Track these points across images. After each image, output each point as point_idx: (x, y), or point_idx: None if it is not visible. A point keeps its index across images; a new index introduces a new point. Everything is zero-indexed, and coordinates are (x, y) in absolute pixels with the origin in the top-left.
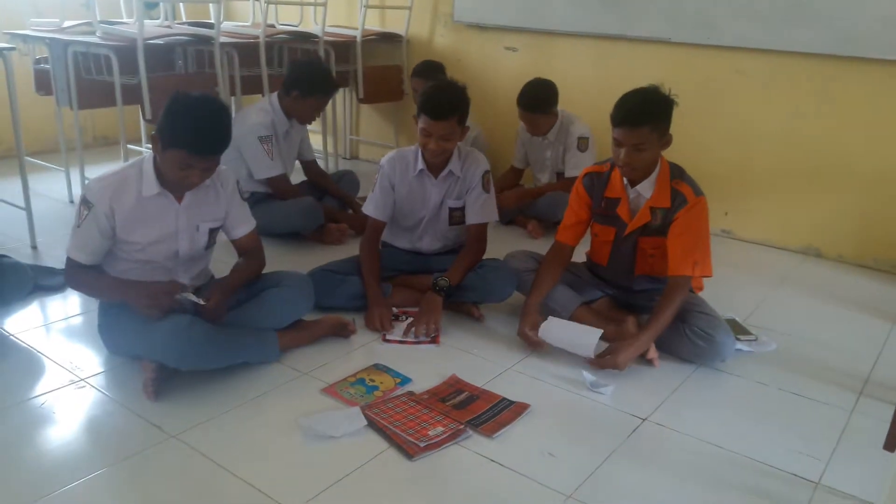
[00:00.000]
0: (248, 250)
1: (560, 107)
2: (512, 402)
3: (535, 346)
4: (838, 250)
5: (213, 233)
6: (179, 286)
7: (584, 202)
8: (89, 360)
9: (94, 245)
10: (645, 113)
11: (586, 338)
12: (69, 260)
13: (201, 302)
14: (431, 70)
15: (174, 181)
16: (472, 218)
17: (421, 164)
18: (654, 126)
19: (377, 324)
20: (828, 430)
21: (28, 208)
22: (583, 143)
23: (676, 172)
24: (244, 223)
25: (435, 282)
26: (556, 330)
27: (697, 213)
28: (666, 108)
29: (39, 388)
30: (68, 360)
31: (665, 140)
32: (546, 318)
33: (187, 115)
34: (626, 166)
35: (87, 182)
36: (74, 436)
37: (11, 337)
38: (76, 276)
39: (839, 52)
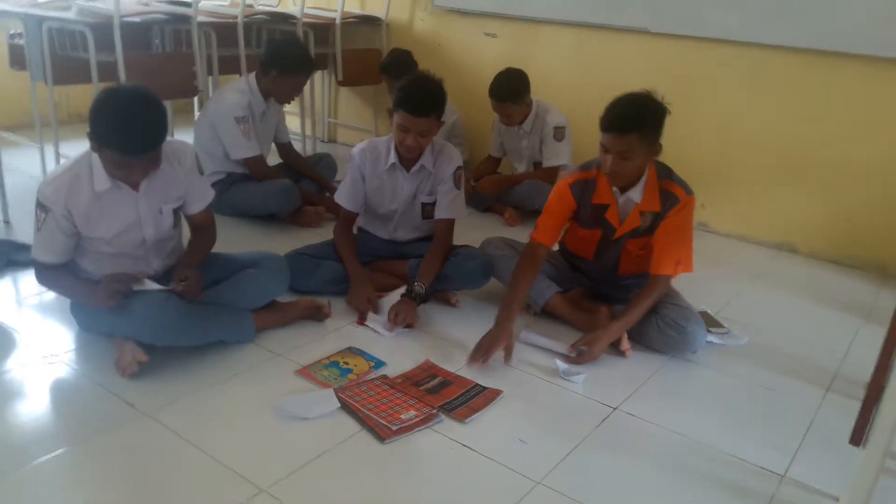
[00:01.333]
0: (203, 226)
1: (538, 95)
2: (484, 388)
3: (484, 363)
4: (813, 246)
5: (176, 211)
6: (135, 278)
7: (568, 209)
8: (61, 336)
9: (59, 245)
10: (634, 121)
11: (557, 346)
12: (36, 262)
13: (165, 288)
14: (401, 65)
15: (118, 178)
16: (440, 213)
17: (393, 158)
18: (643, 134)
19: (363, 303)
20: (795, 424)
21: (1, 184)
22: (559, 133)
23: (664, 173)
24: (202, 198)
25: (410, 289)
26: (530, 338)
27: (687, 213)
28: (657, 116)
29: (9, 363)
30: (40, 336)
31: (654, 149)
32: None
33: (114, 115)
34: (612, 174)
35: (39, 186)
36: (46, 411)
37: None
38: (46, 276)
39: (821, 46)
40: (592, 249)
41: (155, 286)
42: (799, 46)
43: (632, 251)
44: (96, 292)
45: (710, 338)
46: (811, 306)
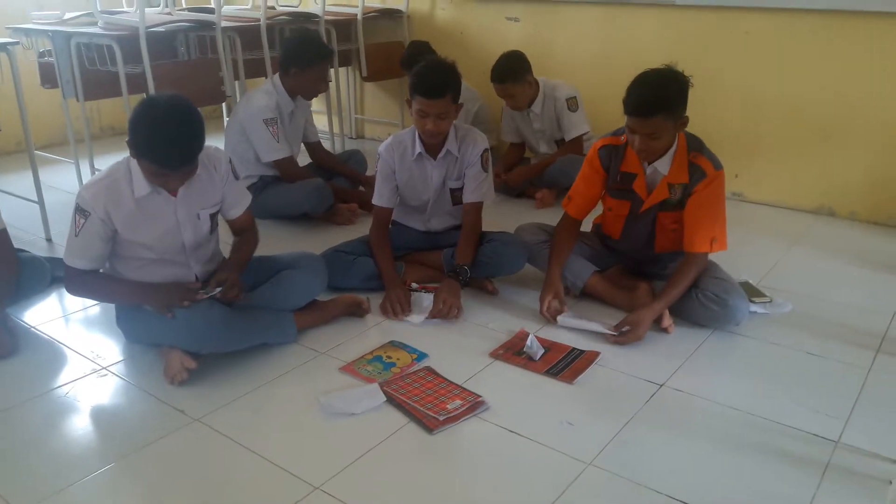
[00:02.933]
0: (244, 228)
1: (563, 77)
2: (583, 351)
3: (554, 316)
4: (851, 208)
5: (214, 217)
6: (195, 292)
7: (598, 175)
8: (109, 349)
9: (94, 251)
10: (657, 102)
11: (598, 326)
12: (68, 268)
13: (208, 294)
14: (421, 56)
15: (156, 185)
16: (468, 196)
17: (419, 147)
18: (668, 114)
19: (394, 310)
20: (846, 389)
21: (41, 202)
22: (572, 103)
23: (695, 145)
24: (240, 202)
25: (453, 269)
26: (570, 322)
27: (716, 188)
28: (679, 92)
29: (62, 377)
30: (89, 350)
31: (680, 123)
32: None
33: (151, 129)
34: (641, 153)
35: (78, 190)
36: (99, 423)
37: (33, 329)
38: (77, 282)
39: (845, 6)
40: (620, 225)
41: (212, 293)
42: (824, 8)
43: (666, 225)
44: (156, 295)
45: (754, 308)
46: (854, 269)
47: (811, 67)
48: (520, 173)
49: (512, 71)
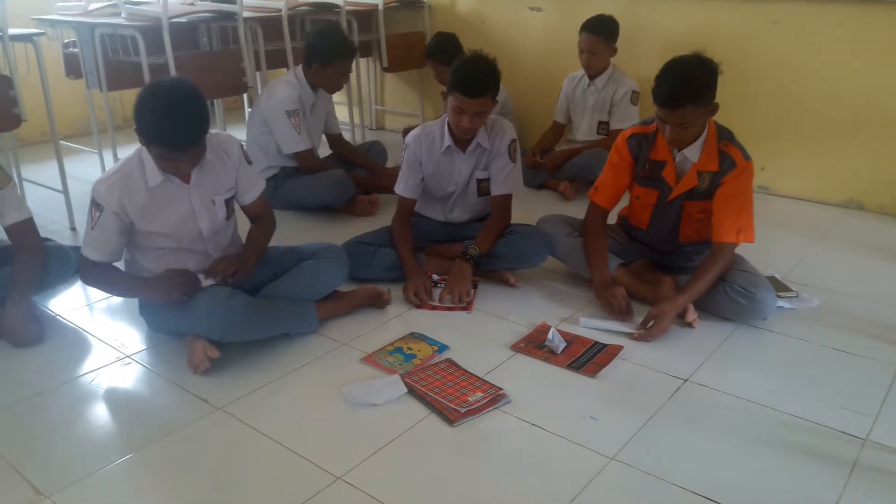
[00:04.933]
0: (259, 214)
1: None
2: (605, 345)
3: (623, 312)
4: (881, 202)
5: (228, 203)
6: (196, 278)
7: (626, 164)
8: (133, 338)
9: (110, 244)
10: (686, 93)
11: (621, 326)
12: (82, 258)
13: (212, 281)
14: (448, 49)
15: (168, 171)
16: (496, 188)
17: (448, 140)
18: (698, 103)
19: (415, 296)
20: (874, 386)
21: (65, 191)
22: (636, 97)
23: (725, 135)
24: (253, 187)
25: (465, 250)
26: (594, 324)
27: (746, 179)
28: (708, 80)
29: (87, 365)
30: (113, 338)
31: (711, 110)
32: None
33: (154, 112)
34: (672, 142)
35: (93, 185)
36: (123, 411)
37: (58, 317)
38: (91, 272)
39: None
40: (648, 214)
41: (208, 281)
42: None
43: (692, 214)
44: (154, 287)
45: (780, 302)
46: (883, 264)
47: (841, 58)
48: (557, 157)
49: (610, 28)
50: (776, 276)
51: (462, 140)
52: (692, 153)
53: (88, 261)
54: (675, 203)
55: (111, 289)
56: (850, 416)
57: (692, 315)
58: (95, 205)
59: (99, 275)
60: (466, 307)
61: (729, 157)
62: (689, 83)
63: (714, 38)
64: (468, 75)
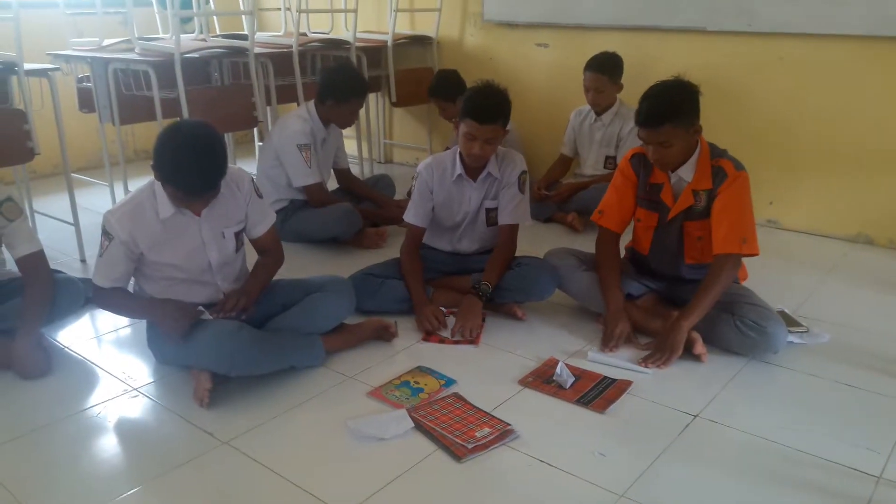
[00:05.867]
0: (268, 248)
1: None
2: (614, 380)
3: (614, 349)
4: (889, 236)
5: (238, 235)
6: (197, 310)
7: (630, 183)
8: (140, 370)
9: (116, 272)
10: (663, 112)
11: (628, 363)
12: (95, 286)
13: (212, 318)
14: (449, 86)
15: (180, 206)
16: (504, 218)
17: (459, 169)
18: (677, 122)
19: (430, 323)
20: (887, 423)
21: (76, 223)
22: None
23: (717, 152)
24: (263, 221)
25: (476, 286)
26: (599, 358)
27: (740, 187)
28: (688, 101)
29: (94, 398)
30: (121, 371)
31: (693, 129)
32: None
33: (175, 157)
34: (658, 163)
35: (104, 214)
36: (130, 444)
37: (66, 349)
38: (103, 298)
39: (882, 32)
40: (650, 237)
41: (208, 316)
42: (860, 34)
43: (692, 234)
44: (164, 313)
45: (791, 337)
46: (893, 298)
47: (847, 94)
48: (565, 190)
49: (613, 66)
50: (785, 310)
51: (473, 169)
52: (686, 173)
53: (99, 288)
54: (675, 224)
55: (120, 311)
56: (863, 453)
57: (700, 348)
58: (105, 234)
59: (109, 299)
60: (474, 341)
61: (721, 170)
62: (666, 102)
63: (719, 74)
64: (480, 102)
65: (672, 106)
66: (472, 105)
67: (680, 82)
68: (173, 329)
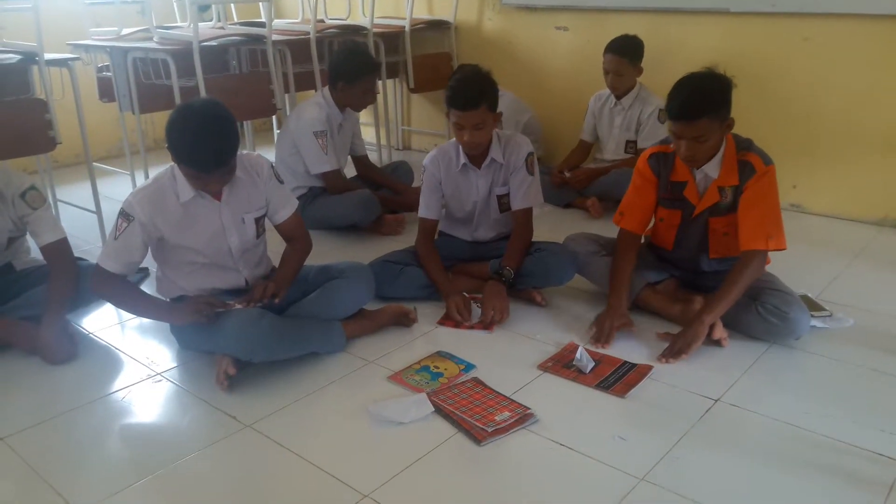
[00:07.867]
0: (293, 234)
1: None
2: (635, 365)
3: (605, 344)
4: None
5: (259, 221)
6: (219, 303)
7: (650, 184)
8: (163, 355)
9: (130, 256)
10: (702, 105)
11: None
12: (98, 267)
13: (242, 306)
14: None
15: (198, 188)
16: (516, 203)
17: (463, 158)
18: (714, 116)
19: (461, 315)
20: None
21: (98, 212)
22: (662, 115)
23: (744, 145)
24: (285, 206)
25: (498, 271)
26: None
27: (767, 183)
28: (723, 93)
29: (118, 382)
30: (144, 356)
31: (726, 124)
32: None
33: (184, 134)
34: (689, 159)
35: (126, 197)
36: (154, 428)
37: (90, 335)
38: (104, 283)
39: None
40: (673, 235)
41: (238, 306)
42: (886, 13)
43: (718, 230)
44: (181, 313)
45: (814, 322)
46: None
47: (873, 74)
48: (584, 174)
49: (634, 49)
50: (809, 295)
51: (476, 157)
52: (712, 169)
53: (103, 271)
54: (699, 220)
55: (121, 303)
56: (887, 437)
57: (720, 332)
58: (124, 215)
59: (111, 287)
60: (488, 327)
61: (748, 164)
62: (704, 94)
63: (743, 56)
64: (459, 89)
65: (709, 98)
66: (452, 93)
67: (714, 74)
68: (197, 315)
